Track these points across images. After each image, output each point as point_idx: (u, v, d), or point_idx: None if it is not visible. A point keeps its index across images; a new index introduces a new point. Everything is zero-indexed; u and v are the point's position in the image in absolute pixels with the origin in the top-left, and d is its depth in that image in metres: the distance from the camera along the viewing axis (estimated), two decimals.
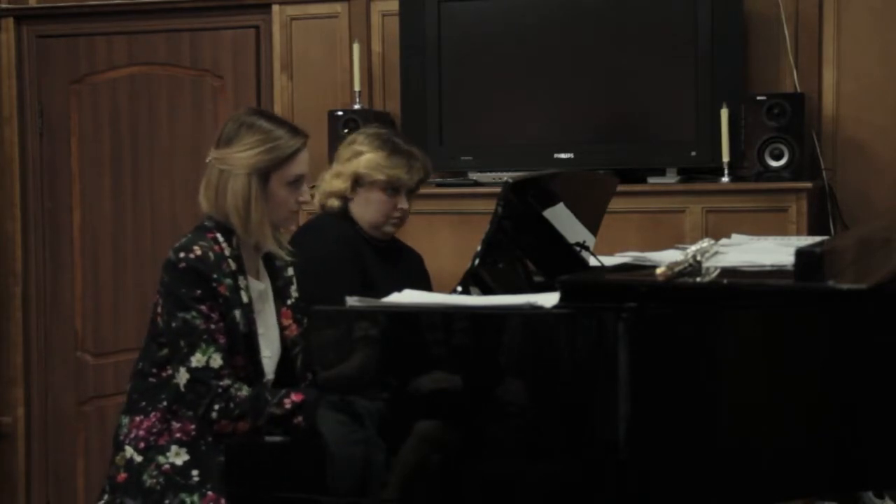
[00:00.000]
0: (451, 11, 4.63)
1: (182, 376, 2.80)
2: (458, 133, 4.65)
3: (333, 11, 4.99)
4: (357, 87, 4.75)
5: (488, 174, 4.55)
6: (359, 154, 3.51)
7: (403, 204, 3.52)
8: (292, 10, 5.03)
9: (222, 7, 5.16)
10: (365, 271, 3.44)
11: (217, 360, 2.79)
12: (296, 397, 2.77)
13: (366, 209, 3.51)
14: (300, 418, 2.74)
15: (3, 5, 5.36)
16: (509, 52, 4.60)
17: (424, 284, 3.56)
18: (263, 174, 2.88)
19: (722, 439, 2.43)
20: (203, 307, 2.79)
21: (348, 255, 3.43)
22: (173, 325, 2.80)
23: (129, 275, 5.29)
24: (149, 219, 5.27)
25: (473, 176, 4.59)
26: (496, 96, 4.63)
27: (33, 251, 5.41)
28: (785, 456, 2.43)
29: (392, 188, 3.49)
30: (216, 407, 2.77)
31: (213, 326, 2.79)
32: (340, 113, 4.65)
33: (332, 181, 3.51)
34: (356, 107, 4.71)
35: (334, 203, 3.52)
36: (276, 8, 5.04)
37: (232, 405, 2.77)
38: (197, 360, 2.78)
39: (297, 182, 2.92)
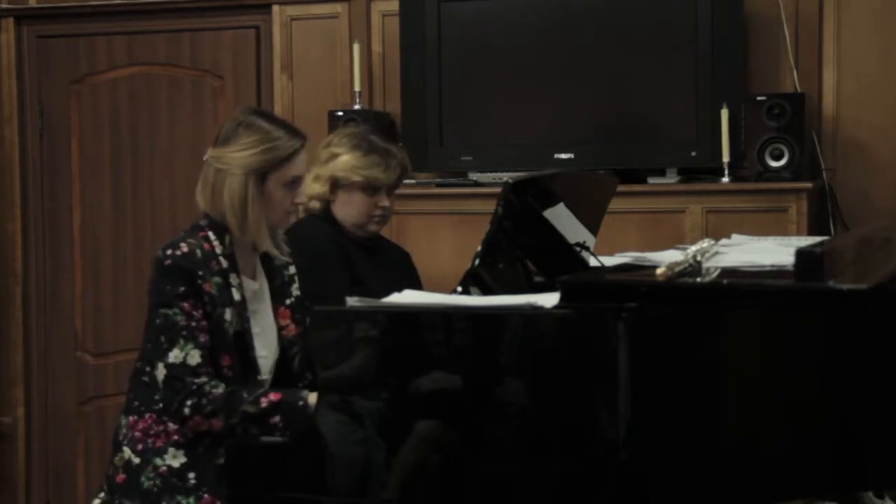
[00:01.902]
0: (451, 11, 4.63)
1: (160, 372, 2.79)
2: (458, 133, 4.64)
3: (333, 11, 4.98)
4: (357, 88, 4.74)
5: (488, 174, 4.54)
6: (335, 156, 3.52)
7: (384, 202, 3.53)
8: (292, 10, 5.03)
9: (222, 7, 5.16)
10: (353, 270, 3.45)
11: (195, 358, 2.77)
12: (273, 397, 2.74)
13: (348, 210, 3.52)
14: (277, 418, 2.71)
15: (3, 5, 5.36)
16: (509, 52, 4.60)
17: (413, 280, 3.57)
18: (260, 174, 2.87)
19: (722, 439, 2.43)
20: (185, 304, 2.78)
21: (336, 256, 3.44)
22: (156, 321, 2.80)
23: (129, 275, 5.28)
24: (149, 219, 5.27)
25: (473, 176, 4.59)
26: (496, 96, 4.63)
27: (33, 251, 5.40)
28: (785, 456, 2.43)
29: (371, 188, 3.50)
30: (188, 403, 2.76)
31: (193, 324, 2.78)
32: (340, 113, 4.65)
33: (312, 184, 3.51)
34: (356, 107, 4.71)
35: (316, 205, 3.53)
36: (276, 8, 5.04)
37: (205, 401, 2.75)
38: (174, 356, 2.77)
39: (293, 183, 2.91)
